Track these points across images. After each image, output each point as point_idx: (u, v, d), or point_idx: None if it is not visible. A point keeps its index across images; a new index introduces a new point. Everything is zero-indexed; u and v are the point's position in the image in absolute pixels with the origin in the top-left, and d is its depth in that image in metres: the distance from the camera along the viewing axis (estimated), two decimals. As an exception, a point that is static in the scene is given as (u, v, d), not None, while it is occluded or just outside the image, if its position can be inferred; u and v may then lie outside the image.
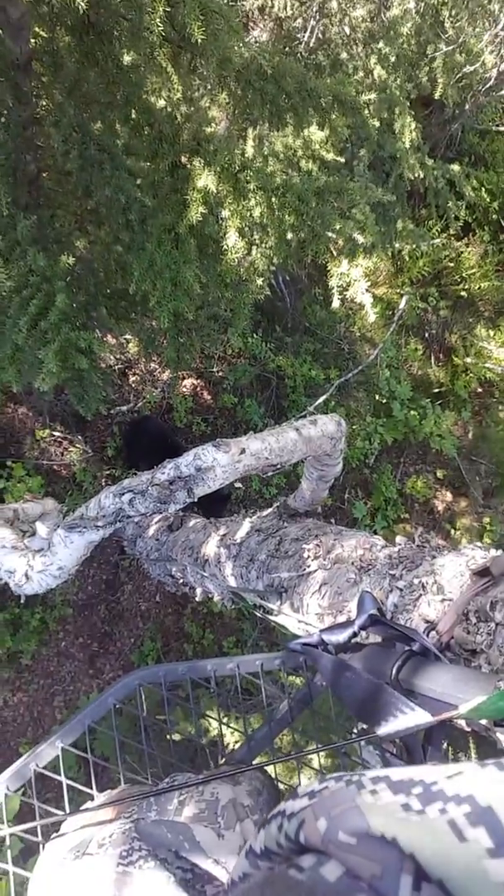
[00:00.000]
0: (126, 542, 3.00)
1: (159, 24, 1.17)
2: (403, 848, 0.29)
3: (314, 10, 2.89)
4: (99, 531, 1.25)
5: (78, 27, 1.40)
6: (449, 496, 4.57)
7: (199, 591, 2.21)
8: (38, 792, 0.95)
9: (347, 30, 2.84)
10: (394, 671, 0.79)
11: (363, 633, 0.94)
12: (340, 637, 0.93)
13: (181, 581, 2.43)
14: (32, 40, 1.41)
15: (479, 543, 1.20)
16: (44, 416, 3.47)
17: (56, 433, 3.48)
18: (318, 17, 2.90)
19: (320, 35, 2.98)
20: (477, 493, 4.59)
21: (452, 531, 4.46)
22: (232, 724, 1.58)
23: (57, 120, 1.53)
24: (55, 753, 0.95)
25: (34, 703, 3.21)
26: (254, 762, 1.06)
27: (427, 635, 0.95)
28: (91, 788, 0.97)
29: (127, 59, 1.51)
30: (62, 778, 0.93)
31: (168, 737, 1.85)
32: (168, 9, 1.16)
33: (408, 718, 0.68)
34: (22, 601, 1.64)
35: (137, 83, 1.54)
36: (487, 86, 3.31)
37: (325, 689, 1.12)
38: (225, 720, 1.35)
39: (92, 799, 0.95)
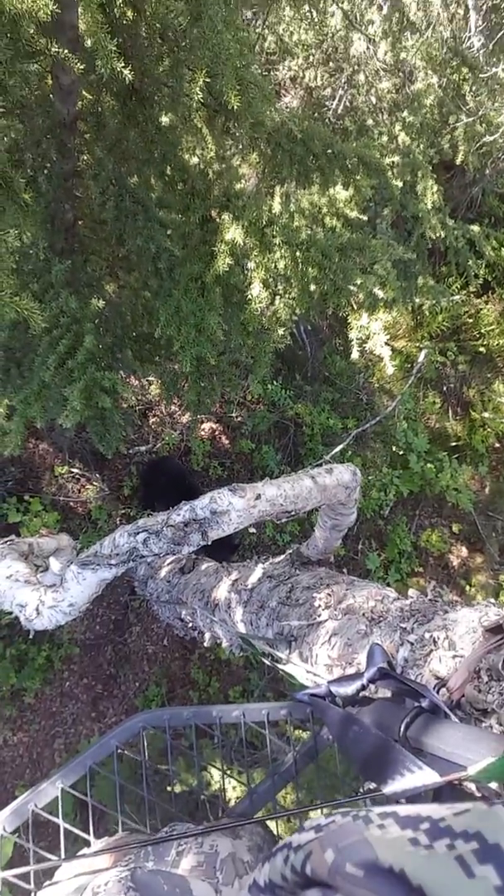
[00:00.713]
0: (137, 582, 2.99)
1: (199, 91, 1.26)
2: (411, 880, 0.29)
3: (343, 81, 3.06)
4: (112, 569, 1.25)
5: (122, 92, 1.50)
6: (464, 551, 4.49)
7: (207, 635, 2.18)
8: (33, 838, 0.92)
9: (374, 99, 2.99)
10: (402, 728, 0.77)
11: (372, 687, 0.92)
12: (349, 689, 0.92)
13: (190, 625, 2.40)
14: (79, 102, 1.52)
15: (492, 600, 1.18)
16: (64, 452, 3.52)
17: (74, 470, 3.53)
18: (346, 88, 3.06)
19: (348, 103, 3.13)
20: (493, 550, 4.51)
21: (467, 587, 4.36)
22: (234, 777, 1.54)
23: (96, 173, 1.62)
24: (55, 794, 0.93)
25: (34, 743, 3.14)
26: (255, 816, 1.03)
27: (437, 692, 0.93)
28: (88, 834, 0.95)
29: (165, 120, 1.61)
30: (59, 820, 0.91)
31: (168, 788, 1.80)
32: (208, 79, 1.24)
33: (415, 777, 0.66)
34: (30, 636, 1.63)
35: (174, 142, 1.64)
36: (507, 153, 3.43)
37: (332, 743, 1.09)
38: (227, 772, 1.31)
39: (88, 845, 0.93)
